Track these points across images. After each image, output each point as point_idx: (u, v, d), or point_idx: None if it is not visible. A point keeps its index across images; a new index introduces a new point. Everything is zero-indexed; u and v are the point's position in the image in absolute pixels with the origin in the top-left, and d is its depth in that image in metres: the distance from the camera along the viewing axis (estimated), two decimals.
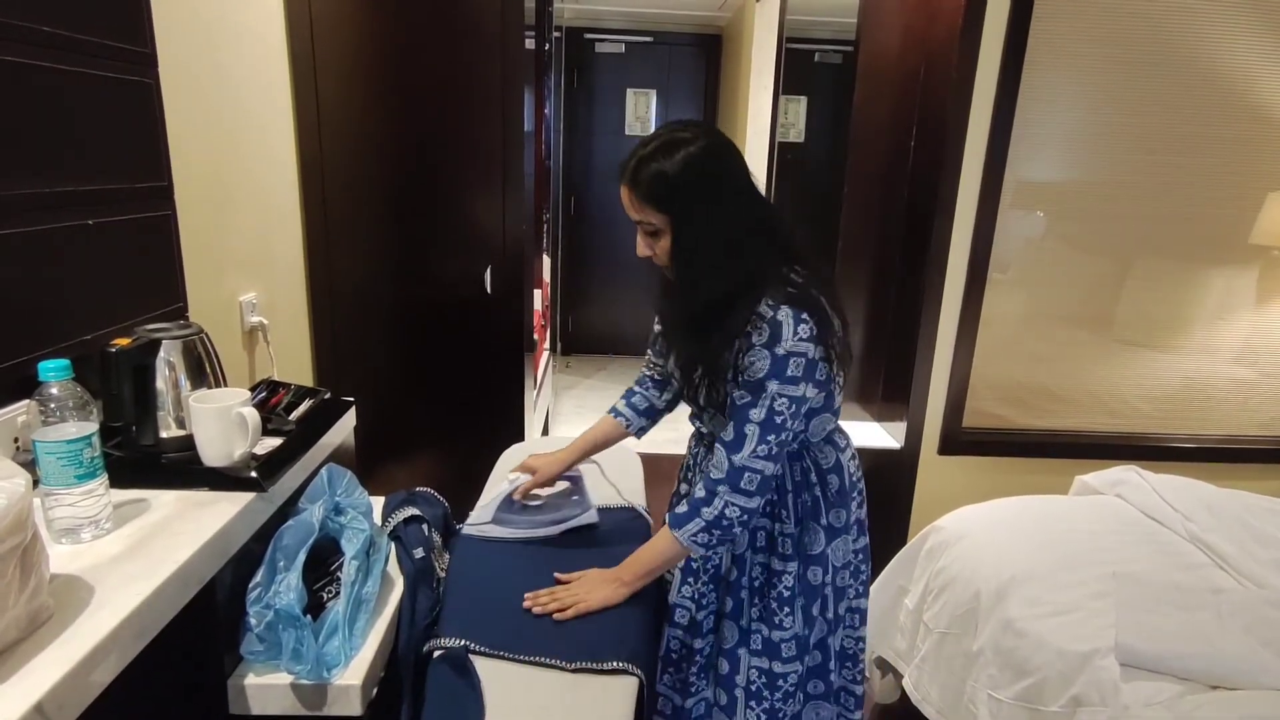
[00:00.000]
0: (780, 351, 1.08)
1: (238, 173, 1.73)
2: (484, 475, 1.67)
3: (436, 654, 1.11)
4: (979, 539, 1.77)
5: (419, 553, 1.28)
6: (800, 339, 1.09)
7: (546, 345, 3.76)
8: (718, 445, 1.14)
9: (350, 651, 1.06)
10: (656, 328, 1.38)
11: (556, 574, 1.22)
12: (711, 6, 4.49)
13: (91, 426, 0.90)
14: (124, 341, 1.06)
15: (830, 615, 1.30)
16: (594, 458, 1.51)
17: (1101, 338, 2.38)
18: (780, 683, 1.26)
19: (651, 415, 1.45)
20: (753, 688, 1.27)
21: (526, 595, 1.18)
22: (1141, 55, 2.12)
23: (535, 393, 2.75)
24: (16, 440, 1.02)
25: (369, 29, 2.07)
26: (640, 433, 1.46)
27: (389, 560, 1.26)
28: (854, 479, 1.31)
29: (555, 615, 1.15)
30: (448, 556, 1.35)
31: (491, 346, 2.33)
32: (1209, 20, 2.09)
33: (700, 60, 4.90)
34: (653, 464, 1.66)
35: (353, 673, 1.04)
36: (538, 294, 3.17)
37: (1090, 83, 2.14)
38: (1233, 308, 2.37)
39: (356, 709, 1.04)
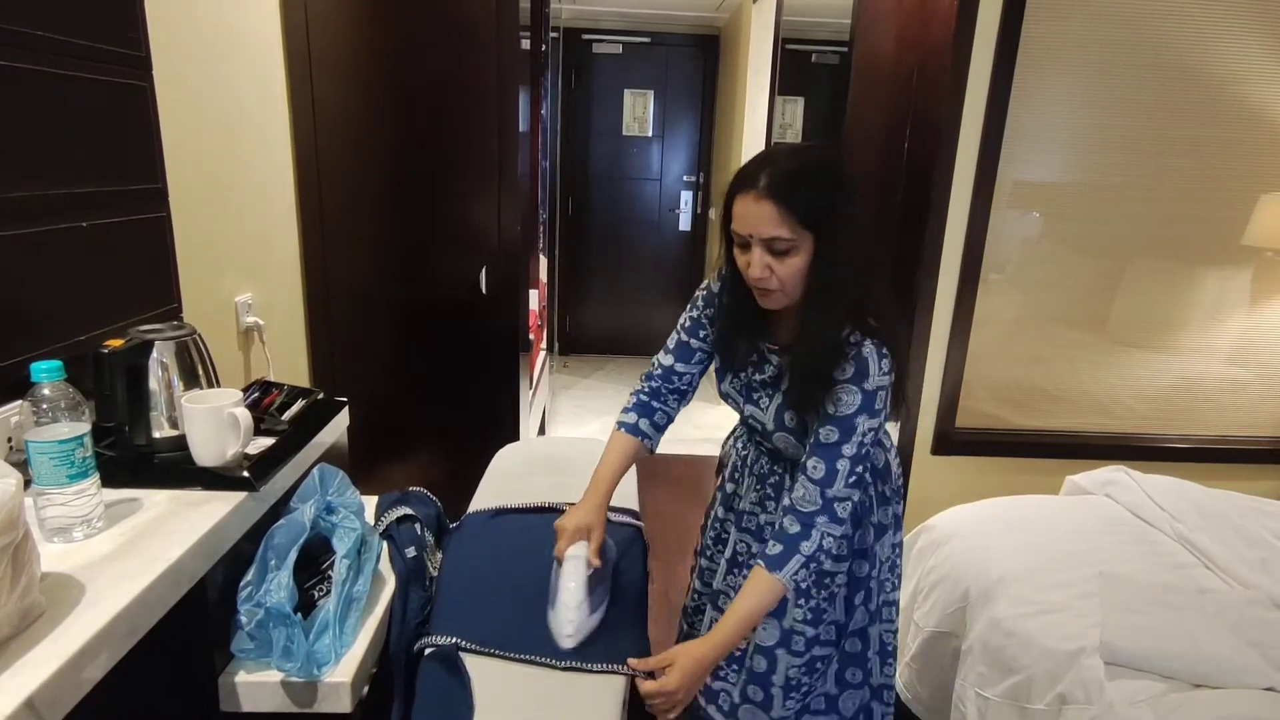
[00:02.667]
0: (869, 387, 1.11)
1: (234, 174, 1.74)
2: (478, 475, 1.68)
3: (428, 652, 1.12)
4: (969, 539, 1.78)
5: (411, 551, 1.29)
6: (884, 372, 1.11)
7: (543, 345, 3.77)
8: (806, 480, 1.14)
9: (341, 649, 1.07)
10: (684, 338, 1.31)
11: (637, 667, 1.11)
12: (709, 7, 4.50)
13: (84, 427, 0.91)
14: (117, 342, 1.07)
15: (873, 607, 1.32)
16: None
17: (1096, 338, 2.39)
18: (818, 665, 1.29)
19: (664, 430, 1.37)
20: (791, 682, 1.29)
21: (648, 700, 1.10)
22: (1134, 57, 2.12)
23: (531, 393, 2.77)
24: (10, 440, 1.04)
25: (365, 30, 2.08)
26: (653, 449, 1.37)
27: (381, 559, 1.27)
28: (896, 476, 1.34)
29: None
30: (440, 555, 1.36)
31: (487, 346, 2.34)
32: (1201, 22, 2.10)
33: (698, 61, 4.91)
34: (653, 464, 1.66)
35: (343, 670, 1.05)
36: (534, 294, 3.18)
37: (1083, 84, 2.15)
38: (1226, 309, 2.38)
39: (346, 706, 1.05)
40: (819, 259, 1.08)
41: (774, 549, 1.13)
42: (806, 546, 1.12)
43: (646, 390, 1.34)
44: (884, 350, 1.11)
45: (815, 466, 1.13)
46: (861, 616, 1.31)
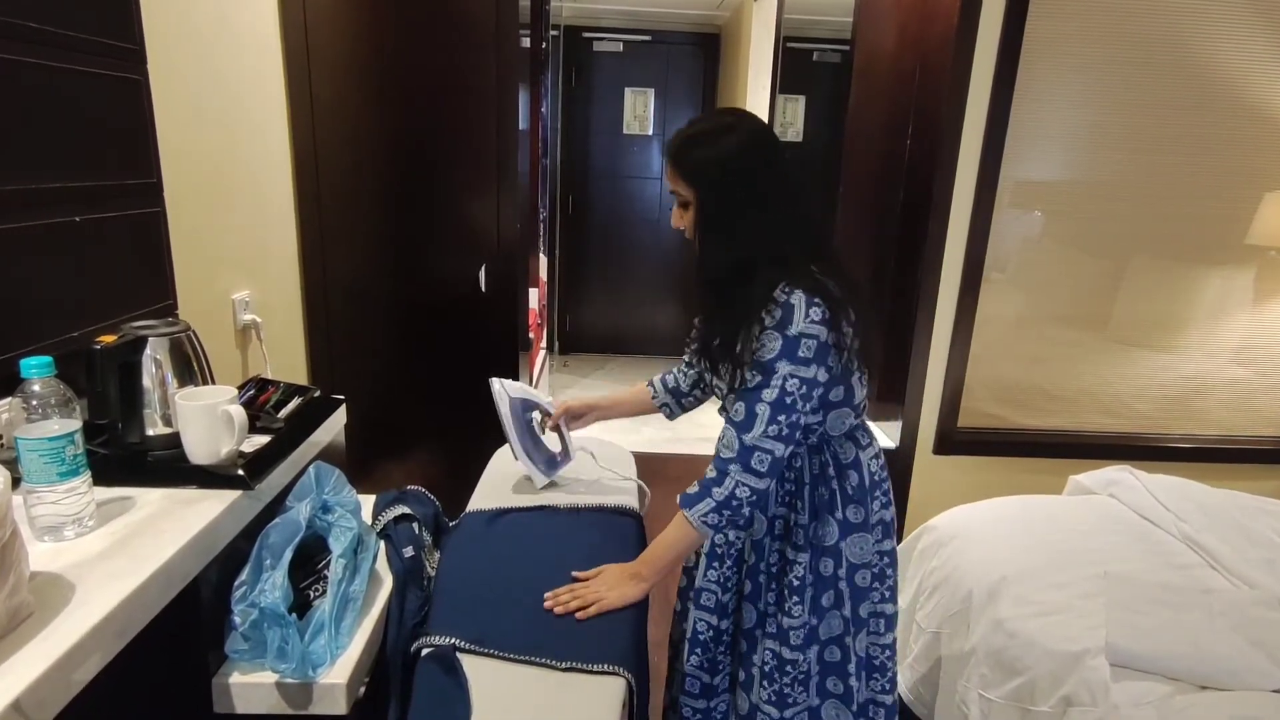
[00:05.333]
0: (791, 333, 1.11)
1: (231, 170, 1.73)
2: (477, 474, 1.66)
3: (425, 652, 1.11)
4: (972, 539, 1.77)
5: (408, 551, 1.28)
6: (812, 321, 1.11)
7: (543, 344, 3.76)
8: (726, 426, 1.16)
9: (336, 650, 1.06)
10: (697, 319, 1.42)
11: (574, 573, 1.23)
12: (710, 5, 4.49)
13: (74, 424, 0.89)
14: (109, 339, 1.06)
15: (848, 614, 1.29)
16: (588, 448, 1.58)
17: (1098, 337, 2.38)
18: (789, 668, 1.27)
19: (678, 397, 1.48)
20: (766, 668, 1.29)
21: (546, 595, 1.19)
22: (1137, 55, 2.11)
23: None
24: (0, 437, 1.02)
25: (363, 26, 2.06)
26: (667, 411, 1.50)
27: (377, 559, 1.26)
28: (876, 478, 1.31)
29: (577, 615, 1.15)
30: (438, 555, 1.34)
31: (486, 345, 2.33)
32: (1205, 20, 2.09)
33: (698, 59, 4.90)
34: (651, 463, 1.66)
35: (338, 671, 1.04)
36: (534, 293, 3.17)
37: (1086, 82, 2.14)
38: (1229, 308, 2.37)
39: (342, 708, 1.03)
40: (698, 208, 1.19)
41: (692, 488, 1.19)
42: (718, 492, 1.15)
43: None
44: (815, 300, 1.12)
45: (736, 410, 1.16)
46: (836, 624, 1.28)
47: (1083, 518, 1.83)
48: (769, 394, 1.12)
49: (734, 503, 1.15)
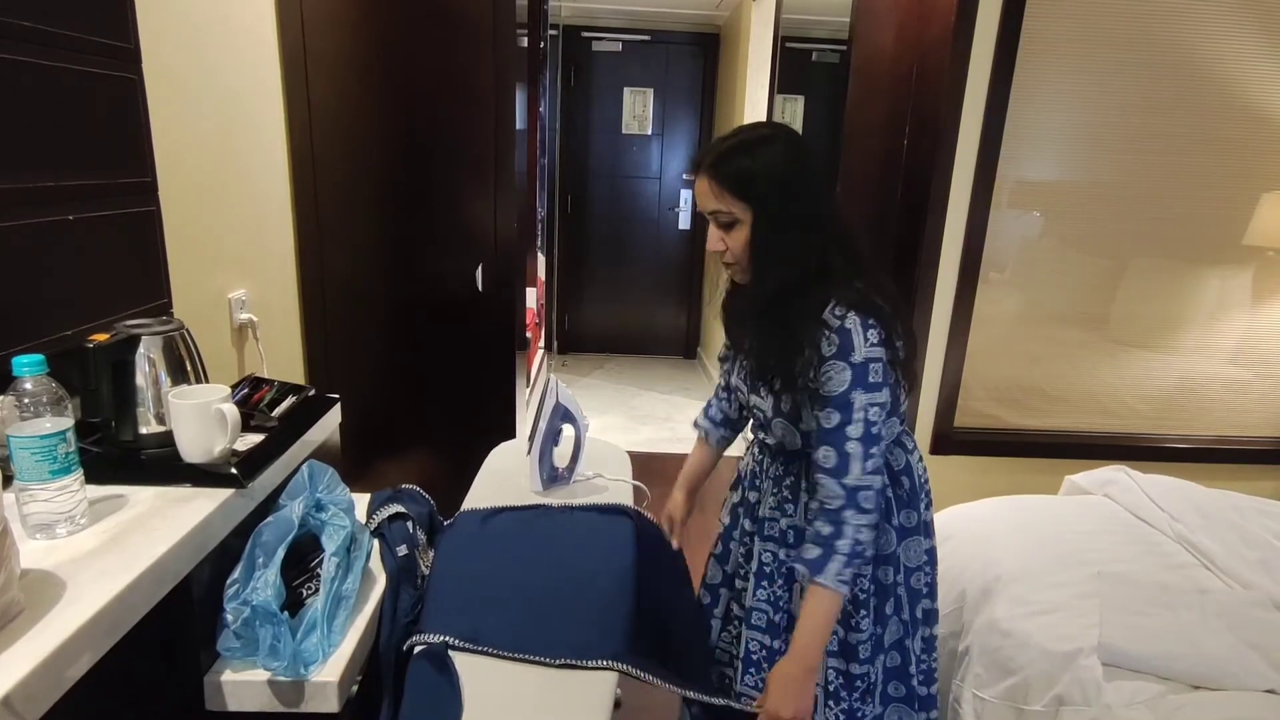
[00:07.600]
0: (857, 360, 1.09)
1: (228, 169, 1.73)
2: (472, 473, 1.67)
3: (417, 650, 1.11)
4: (967, 539, 1.77)
5: (402, 550, 1.28)
6: (872, 344, 1.09)
7: (541, 343, 3.76)
8: (821, 475, 1.12)
9: (328, 648, 1.06)
10: (726, 339, 1.38)
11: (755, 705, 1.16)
12: (709, 5, 4.49)
13: (66, 422, 0.90)
14: (102, 337, 1.06)
15: (906, 617, 1.28)
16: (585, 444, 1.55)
17: (1096, 337, 2.38)
18: (858, 683, 1.25)
19: (730, 425, 1.45)
20: (830, 688, 1.27)
21: None
22: (1135, 55, 2.11)
23: (528, 391, 2.75)
24: None
25: (360, 25, 2.06)
26: (721, 443, 1.48)
27: (370, 557, 1.26)
28: (922, 479, 1.30)
29: None
30: (432, 553, 1.35)
31: (483, 344, 2.33)
32: (1203, 20, 2.09)
33: (698, 59, 4.90)
34: (651, 463, 1.66)
35: (330, 669, 1.04)
36: (532, 292, 3.17)
37: (1084, 82, 2.14)
38: (1227, 308, 2.36)
39: (334, 706, 1.04)
40: (755, 225, 1.12)
41: (811, 553, 1.12)
42: (843, 545, 1.10)
43: (716, 389, 1.47)
44: (870, 322, 1.10)
45: (826, 456, 1.11)
46: (897, 628, 1.28)
47: (1078, 518, 1.83)
48: (854, 429, 1.09)
49: (858, 548, 1.10)
